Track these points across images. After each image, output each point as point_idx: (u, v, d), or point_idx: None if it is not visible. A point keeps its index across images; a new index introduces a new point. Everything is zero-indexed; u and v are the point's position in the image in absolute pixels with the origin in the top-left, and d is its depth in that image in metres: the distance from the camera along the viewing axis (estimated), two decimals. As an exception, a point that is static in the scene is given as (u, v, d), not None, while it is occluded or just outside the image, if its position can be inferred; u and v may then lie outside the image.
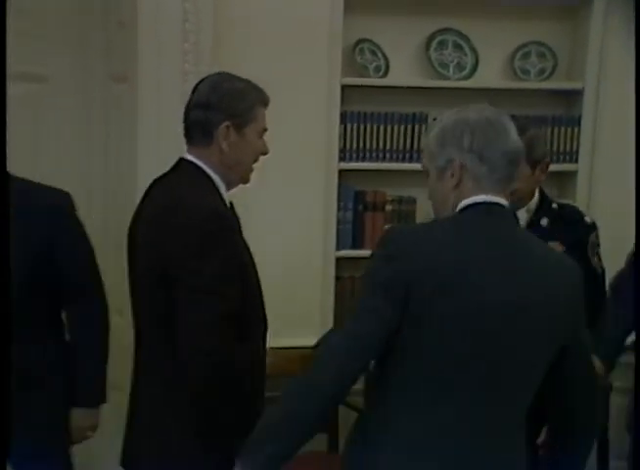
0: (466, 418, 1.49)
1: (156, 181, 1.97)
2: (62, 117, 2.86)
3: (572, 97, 3.31)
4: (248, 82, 1.88)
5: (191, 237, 1.72)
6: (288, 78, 2.10)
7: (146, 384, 1.94)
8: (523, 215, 2.33)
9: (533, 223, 2.33)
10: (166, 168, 2.78)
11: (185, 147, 2.82)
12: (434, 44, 3.24)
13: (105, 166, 3.05)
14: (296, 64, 2.89)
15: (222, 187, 1.87)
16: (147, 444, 1.90)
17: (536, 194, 2.35)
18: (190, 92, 2.84)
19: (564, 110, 3.34)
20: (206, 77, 1.93)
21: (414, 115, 3.20)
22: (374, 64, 3.21)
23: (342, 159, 3.13)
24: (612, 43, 3.20)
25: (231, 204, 1.94)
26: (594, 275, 2.33)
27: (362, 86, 3.17)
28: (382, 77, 3.20)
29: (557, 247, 2.27)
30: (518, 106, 3.26)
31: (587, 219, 2.41)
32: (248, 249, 1.92)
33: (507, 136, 1.57)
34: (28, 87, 2.75)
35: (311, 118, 2.99)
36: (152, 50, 2.76)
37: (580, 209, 2.57)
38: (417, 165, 3.20)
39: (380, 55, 3.21)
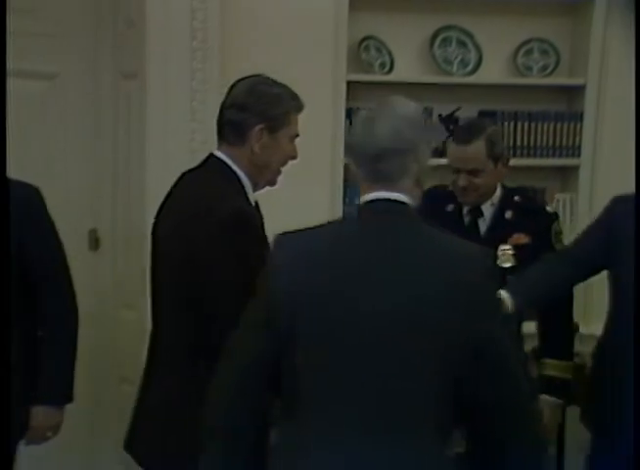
0: (358, 429, 1.43)
1: (184, 175, 2.02)
2: (71, 115, 2.90)
3: (575, 93, 3.34)
4: (284, 87, 1.92)
5: (220, 240, 1.77)
6: (294, 75, 2.14)
7: (161, 375, 1.97)
8: (488, 210, 2.37)
9: (498, 217, 2.37)
10: (175, 165, 2.83)
11: (192, 144, 2.88)
12: (438, 41, 3.28)
13: (114, 163, 3.09)
14: (302, 60, 2.93)
15: (249, 186, 1.92)
16: (159, 436, 1.93)
17: (498, 188, 2.39)
18: (196, 89, 2.90)
19: (566, 105, 3.37)
20: (244, 79, 1.96)
21: (418, 110, 3.24)
22: (379, 60, 3.24)
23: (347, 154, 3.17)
24: (613, 39, 3.22)
25: (256, 203, 1.98)
26: None
27: (367, 82, 3.21)
28: (387, 74, 3.24)
29: (521, 238, 2.33)
30: (520, 102, 3.31)
31: (549, 209, 2.46)
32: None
33: (372, 131, 1.51)
34: (39, 85, 2.79)
35: (317, 115, 3.02)
36: (160, 48, 2.80)
37: (547, 205, 2.65)
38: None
39: (385, 51, 3.25)
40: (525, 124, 3.28)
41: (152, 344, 2.04)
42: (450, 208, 2.41)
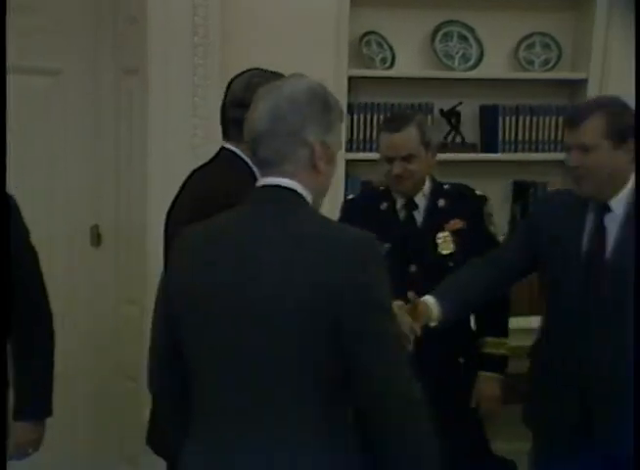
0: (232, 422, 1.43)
1: (195, 172, 2.05)
2: (73, 112, 2.91)
3: (576, 87, 3.34)
4: (280, 76, 1.93)
5: None
6: (295, 70, 2.13)
7: None
8: (421, 201, 2.39)
9: (432, 206, 2.39)
10: (176, 161, 2.85)
11: (193, 140, 2.89)
12: (439, 36, 3.28)
13: (116, 160, 3.10)
14: (303, 56, 2.93)
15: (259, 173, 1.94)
16: None
17: (427, 179, 2.40)
18: (198, 84, 2.90)
19: (568, 99, 3.37)
20: (239, 75, 1.98)
21: (420, 105, 3.24)
22: (380, 55, 3.25)
23: (348, 149, 3.17)
24: (615, 34, 3.22)
25: None
26: (494, 242, 2.39)
27: (369, 78, 3.21)
28: (388, 69, 3.24)
29: (457, 224, 2.35)
30: (522, 96, 3.31)
31: (478, 192, 2.46)
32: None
33: (252, 114, 1.46)
34: (42, 81, 2.80)
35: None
36: (161, 44, 2.81)
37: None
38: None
39: (386, 47, 3.25)
40: (527, 119, 3.28)
41: None
42: (384, 206, 2.43)
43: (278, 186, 1.44)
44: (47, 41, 2.71)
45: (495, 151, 3.31)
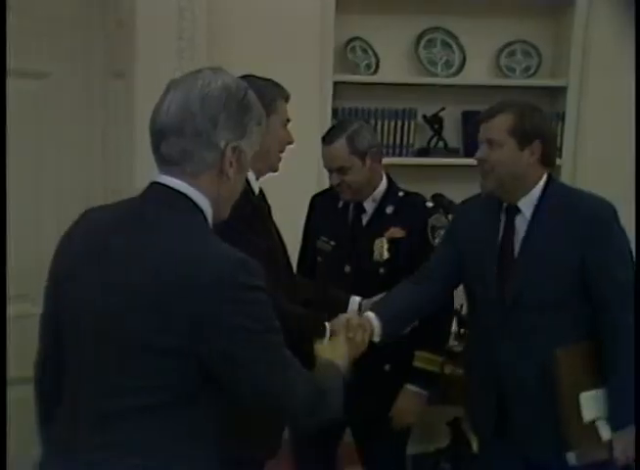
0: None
1: None
2: (62, 114, 2.93)
3: (556, 94, 3.40)
4: (268, 80, 2.00)
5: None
6: (282, 75, 2.18)
7: None
8: (369, 205, 2.41)
9: (378, 211, 2.41)
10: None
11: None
12: (423, 42, 3.34)
13: (104, 161, 3.11)
14: (289, 61, 2.98)
15: (252, 175, 1.99)
16: None
17: (384, 183, 2.43)
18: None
19: (548, 106, 3.43)
20: None
21: (404, 110, 3.29)
22: (365, 61, 3.30)
23: (333, 153, 3.21)
24: (594, 42, 3.29)
25: (260, 190, 2.04)
26: None
27: (354, 83, 3.26)
28: (372, 74, 3.29)
29: (397, 232, 2.37)
30: (504, 102, 3.37)
31: (428, 204, 2.48)
32: (278, 233, 2.05)
33: (159, 105, 1.36)
34: (30, 84, 2.82)
35: (304, 114, 3.05)
36: (148, 47, 2.84)
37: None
38: (407, 160, 3.33)
39: (370, 53, 3.30)
40: (508, 125, 3.34)
41: None
42: (340, 205, 2.48)
43: (170, 188, 1.34)
44: (36, 44, 2.73)
45: (477, 156, 3.36)
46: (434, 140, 3.37)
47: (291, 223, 3.11)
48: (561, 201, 2.08)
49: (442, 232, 2.39)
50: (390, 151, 3.30)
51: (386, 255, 2.36)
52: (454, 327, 2.93)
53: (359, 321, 2.03)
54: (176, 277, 1.24)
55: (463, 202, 2.32)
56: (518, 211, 2.09)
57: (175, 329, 1.25)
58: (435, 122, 3.35)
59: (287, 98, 2.03)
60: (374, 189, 2.41)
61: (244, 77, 2.06)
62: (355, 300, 2.19)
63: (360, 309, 2.15)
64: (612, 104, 3.31)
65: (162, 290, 1.25)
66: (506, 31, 3.39)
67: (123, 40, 2.90)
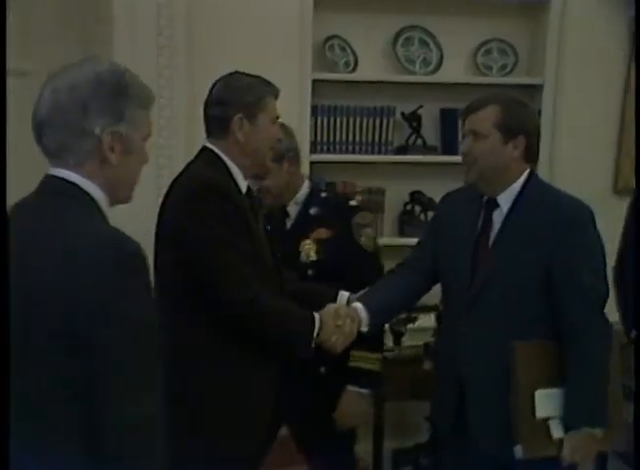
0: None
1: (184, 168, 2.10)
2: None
3: (533, 91, 3.43)
4: (257, 77, 2.02)
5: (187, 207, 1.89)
6: (260, 73, 2.19)
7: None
8: (292, 208, 2.41)
9: (303, 214, 2.41)
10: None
11: (158, 140, 2.91)
12: (400, 40, 3.36)
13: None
14: (267, 59, 2.98)
15: (239, 174, 1.99)
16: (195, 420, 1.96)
17: (306, 186, 2.43)
18: (163, 85, 2.93)
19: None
20: (221, 78, 2.05)
21: (382, 108, 3.31)
22: (343, 59, 3.31)
23: (312, 151, 3.23)
24: (569, 40, 3.33)
25: (248, 188, 2.05)
26: (363, 253, 2.38)
27: (332, 81, 3.27)
28: (351, 72, 3.30)
29: (322, 233, 2.36)
30: (481, 100, 3.40)
31: (352, 203, 2.49)
32: (270, 232, 2.07)
33: (38, 98, 1.35)
34: (10, 83, 2.80)
35: (283, 112, 3.04)
36: (127, 45, 2.84)
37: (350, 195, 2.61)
38: (385, 157, 3.36)
39: (349, 51, 3.31)
40: (486, 122, 3.36)
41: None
42: (265, 211, 2.45)
43: (61, 179, 1.35)
44: (15, 42, 2.72)
45: (455, 153, 3.37)
46: (413, 138, 3.39)
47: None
48: (539, 198, 2.09)
49: (368, 230, 2.39)
50: (369, 148, 3.31)
51: (313, 256, 2.35)
52: (433, 323, 2.95)
53: (347, 311, 2.06)
54: (64, 265, 1.24)
55: (447, 194, 2.32)
56: (496, 205, 2.10)
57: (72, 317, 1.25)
58: (414, 120, 3.38)
59: (276, 95, 2.03)
60: (295, 192, 2.40)
61: (232, 74, 2.08)
62: (344, 294, 2.20)
63: (348, 303, 2.16)
64: (587, 101, 3.36)
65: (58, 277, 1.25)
66: (483, 30, 3.42)
67: (102, 36, 2.89)
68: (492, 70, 3.44)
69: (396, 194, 3.44)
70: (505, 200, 2.09)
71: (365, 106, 3.30)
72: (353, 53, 3.32)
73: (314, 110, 3.21)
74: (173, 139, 2.91)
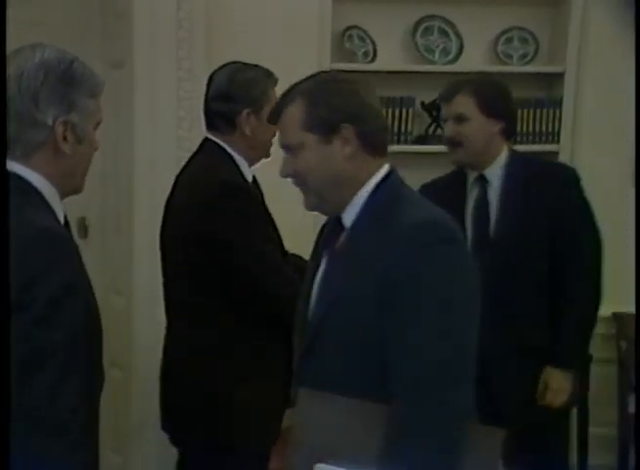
0: None
1: (188, 161, 2.12)
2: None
3: (554, 80, 3.41)
4: (257, 68, 2.02)
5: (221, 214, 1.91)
6: (279, 64, 2.19)
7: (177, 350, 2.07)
8: None
9: None
10: (162, 153, 2.89)
11: (178, 132, 2.92)
12: (420, 30, 3.34)
13: (102, 152, 3.12)
14: (286, 50, 2.98)
15: (244, 165, 2.03)
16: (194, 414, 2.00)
17: None
18: (183, 78, 2.94)
19: (545, 92, 3.44)
20: (220, 69, 2.05)
21: (401, 98, 3.30)
22: (362, 49, 3.30)
23: (332, 141, 3.23)
24: (591, 27, 3.29)
25: (254, 177, 2.06)
26: None
27: (351, 71, 3.25)
28: (370, 62, 3.29)
29: None
30: (501, 89, 3.37)
31: None
32: (272, 221, 2.08)
33: None
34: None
35: (302, 103, 3.09)
36: (147, 38, 2.85)
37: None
38: (405, 147, 3.34)
39: (368, 41, 3.30)
40: (506, 111, 3.34)
41: (168, 317, 2.14)
42: None
43: (15, 175, 1.31)
44: (34, 35, 2.73)
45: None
46: (432, 127, 3.38)
47: (291, 210, 3.14)
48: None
49: None
50: (389, 138, 3.30)
51: None
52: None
53: None
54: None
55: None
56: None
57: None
58: (433, 110, 3.36)
59: (276, 83, 2.05)
60: None
61: (230, 65, 2.08)
62: None
63: None
64: (609, 89, 3.32)
65: None
66: (503, 18, 3.39)
67: (122, 31, 2.91)
68: (513, 58, 3.41)
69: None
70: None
71: (384, 96, 3.27)
72: (372, 43, 3.30)
73: (333, 100, 3.21)
74: (194, 132, 2.93)
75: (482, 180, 2.30)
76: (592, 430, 3.07)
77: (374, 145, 1.53)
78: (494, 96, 2.28)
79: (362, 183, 1.50)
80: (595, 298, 2.31)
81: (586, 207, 2.32)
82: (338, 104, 1.51)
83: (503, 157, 2.29)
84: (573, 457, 3.11)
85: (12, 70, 1.30)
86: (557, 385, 2.26)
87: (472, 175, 2.33)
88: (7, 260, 1.18)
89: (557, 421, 2.35)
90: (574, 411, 3.00)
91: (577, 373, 2.32)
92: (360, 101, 1.54)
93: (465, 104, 2.24)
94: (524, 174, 2.28)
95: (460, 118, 2.25)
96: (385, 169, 1.53)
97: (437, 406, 1.30)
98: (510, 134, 2.33)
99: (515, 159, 2.32)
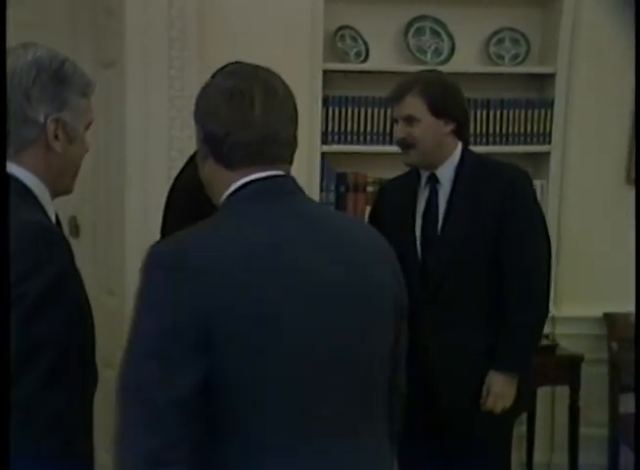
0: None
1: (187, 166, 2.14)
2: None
3: (545, 81, 3.42)
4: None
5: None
6: (271, 64, 2.19)
7: None
8: None
9: None
10: (154, 152, 2.89)
11: (171, 132, 2.92)
12: (412, 30, 3.34)
13: (94, 151, 3.12)
14: (279, 50, 2.98)
15: None
16: None
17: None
18: (175, 77, 2.94)
19: (537, 93, 3.45)
20: (223, 68, 2.05)
21: (393, 99, 3.30)
22: (354, 49, 3.30)
23: (324, 141, 3.23)
24: (583, 28, 3.30)
25: None
26: None
27: (343, 71, 3.27)
28: (362, 63, 3.29)
29: None
30: (493, 90, 3.38)
31: None
32: None
33: None
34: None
35: (294, 103, 3.10)
36: (139, 37, 2.85)
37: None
38: (397, 148, 3.34)
39: (360, 41, 3.30)
40: (497, 112, 3.34)
41: None
42: None
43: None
44: (27, 35, 2.73)
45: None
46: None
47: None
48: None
49: None
50: (381, 139, 3.30)
51: None
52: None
53: None
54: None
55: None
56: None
57: None
58: (425, 110, 3.36)
59: None
60: None
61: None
62: None
63: None
64: (601, 90, 3.34)
65: None
66: (494, 19, 3.39)
67: (113, 29, 2.90)
68: (504, 59, 3.42)
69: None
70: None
71: (376, 96, 3.28)
72: (364, 43, 3.31)
73: (325, 100, 3.21)
74: (185, 131, 2.93)
75: (434, 180, 2.28)
76: (583, 430, 3.09)
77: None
78: (443, 96, 2.24)
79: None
80: (538, 302, 2.23)
81: (535, 210, 2.27)
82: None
83: (456, 157, 2.27)
84: (564, 457, 3.13)
85: (5, 68, 1.29)
86: (498, 389, 2.18)
87: (424, 175, 2.31)
88: (7, 260, 1.17)
89: (497, 429, 2.24)
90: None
91: (523, 378, 2.23)
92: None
93: (414, 104, 2.22)
94: (474, 175, 2.26)
95: (410, 119, 2.23)
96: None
97: None
98: (462, 134, 2.29)
99: (467, 159, 2.29)
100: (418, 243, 2.25)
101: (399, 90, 2.26)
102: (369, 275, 1.27)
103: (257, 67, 1.33)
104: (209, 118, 1.29)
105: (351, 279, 1.23)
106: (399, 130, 2.27)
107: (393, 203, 2.36)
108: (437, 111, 2.22)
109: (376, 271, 1.29)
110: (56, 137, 1.33)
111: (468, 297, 2.20)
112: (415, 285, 2.11)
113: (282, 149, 1.32)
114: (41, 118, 1.31)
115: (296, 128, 1.36)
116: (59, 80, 1.33)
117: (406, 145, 2.26)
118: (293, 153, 1.37)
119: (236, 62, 1.81)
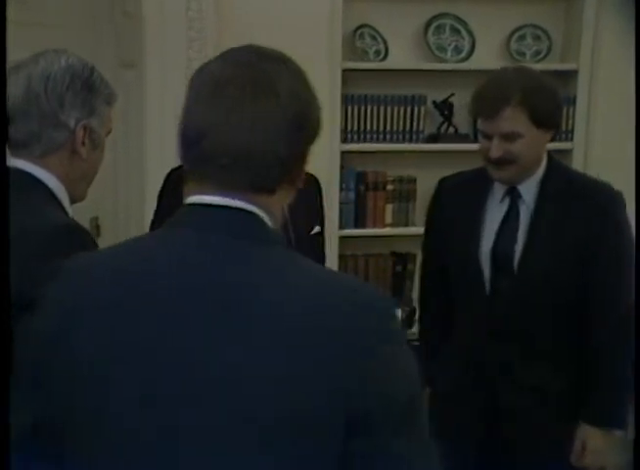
0: None
1: None
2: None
3: (568, 77, 3.38)
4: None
5: None
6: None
7: None
8: None
9: None
10: (173, 152, 2.88)
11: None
12: (431, 28, 3.32)
13: (113, 152, 3.13)
14: (298, 49, 2.91)
15: None
16: None
17: None
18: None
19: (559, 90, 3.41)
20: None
21: (413, 97, 3.28)
22: (374, 48, 3.29)
23: (343, 140, 3.22)
24: (605, 24, 3.27)
25: None
26: None
27: (363, 70, 3.25)
28: (381, 61, 3.28)
29: None
30: (514, 87, 3.35)
31: None
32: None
33: (8, 88, 1.28)
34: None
35: (313, 102, 3.09)
36: (157, 38, 2.86)
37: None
38: (417, 146, 3.33)
39: (379, 39, 3.29)
40: (519, 109, 3.32)
41: None
42: None
43: (17, 169, 1.31)
44: (46, 36, 2.74)
45: (488, 141, 3.35)
46: (444, 126, 3.36)
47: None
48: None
49: None
50: (400, 137, 3.29)
51: None
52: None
53: None
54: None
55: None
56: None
57: None
58: (445, 108, 3.34)
59: None
60: None
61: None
62: None
63: None
64: (623, 87, 3.28)
65: None
66: (515, 16, 3.37)
67: (132, 31, 2.91)
68: (526, 56, 3.39)
69: (428, 183, 3.40)
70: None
71: (396, 94, 3.27)
72: (384, 41, 3.29)
73: (344, 99, 3.20)
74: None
75: (515, 195, 1.96)
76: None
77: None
78: (545, 102, 1.87)
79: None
80: (626, 349, 1.86)
81: (627, 242, 1.93)
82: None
83: (542, 169, 1.95)
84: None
85: (37, 71, 1.34)
86: (594, 446, 1.90)
87: (501, 185, 1.98)
88: (7, 260, 1.11)
89: None
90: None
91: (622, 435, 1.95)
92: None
93: (515, 119, 1.83)
94: (560, 196, 1.94)
95: (511, 137, 1.85)
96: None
97: None
98: (552, 139, 1.97)
99: (553, 173, 1.96)
100: (487, 262, 1.96)
101: (494, 102, 1.84)
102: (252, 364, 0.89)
103: (261, 54, 1.07)
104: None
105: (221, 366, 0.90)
106: (495, 147, 1.86)
107: (461, 201, 2.05)
108: (541, 121, 1.86)
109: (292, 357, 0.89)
110: (83, 143, 1.36)
111: (541, 330, 1.93)
112: (480, 313, 1.97)
113: (242, 169, 0.96)
114: (72, 124, 1.34)
115: (296, 144, 1.02)
116: (89, 88, 1.37)
117: (503, 162, 1.89)
118: (273, 177, 0.98)
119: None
